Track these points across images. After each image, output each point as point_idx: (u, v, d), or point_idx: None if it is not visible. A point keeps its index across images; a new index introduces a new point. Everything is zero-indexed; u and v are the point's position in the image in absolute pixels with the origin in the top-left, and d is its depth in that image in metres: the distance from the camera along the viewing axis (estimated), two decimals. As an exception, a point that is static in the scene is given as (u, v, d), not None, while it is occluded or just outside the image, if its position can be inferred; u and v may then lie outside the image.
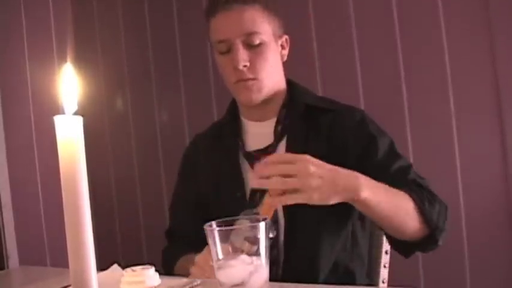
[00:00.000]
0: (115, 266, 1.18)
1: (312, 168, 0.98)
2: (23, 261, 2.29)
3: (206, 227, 0.87)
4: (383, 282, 1.38)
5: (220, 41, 1.30)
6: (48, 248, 2.41)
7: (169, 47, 2.55)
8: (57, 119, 0.60)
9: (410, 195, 1.15)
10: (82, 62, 2.55)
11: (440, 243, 1.21)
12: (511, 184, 1.84)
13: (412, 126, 1.98)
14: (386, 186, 1.12)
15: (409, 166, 1.29)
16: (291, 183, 0.96)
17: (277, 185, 0.97)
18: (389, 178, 1.17)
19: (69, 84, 0.62)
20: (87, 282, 0.59)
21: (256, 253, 0.84)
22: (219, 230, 0.86)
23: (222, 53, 1.31)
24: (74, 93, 0.62)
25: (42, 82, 2.21)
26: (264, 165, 0.99)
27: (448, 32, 1.90)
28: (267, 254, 0.85)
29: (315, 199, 0.98)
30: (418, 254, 1.95)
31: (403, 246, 1.22)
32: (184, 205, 1.46)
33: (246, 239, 0.85)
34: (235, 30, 1.27)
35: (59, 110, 0.61)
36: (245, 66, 1.28)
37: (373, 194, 1.06)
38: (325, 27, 2.15)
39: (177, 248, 1.38)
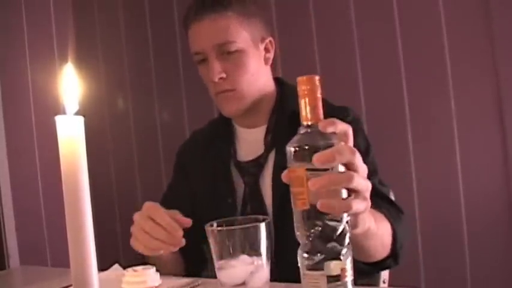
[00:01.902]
0: (116, 265, 1.18)
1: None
2: (23, 261, 2.29)
3: (207, 227, 0.88)
4: (384, 282, 1.38)
5: (196, 53, 1.27)
6: (49, 247, 2.41)
7: (169, 45, 2.55)
8: (59, 119, 0.60)
9: (388, 219, 1.07)
10: (83, 62, 2.55)
11: (400, 262, 1.13)
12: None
13: (412, 126, 1.98)
14: (376, 213, 1.00)
15: (375, 172, 1.21)
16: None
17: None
18: None
19: (70, 84, 0.62)
20: (88, 282, 0.59)
21: (257, 253, 0.84)
22: (219, 231, 0.86)
23: (200, 64, 1.28)
24: (75, 93, 0.62)
25: (43, 82, 2.21)
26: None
27: (449, 31, 1.90)
28: (268, 254, 0.85)
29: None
30: (419, 254, 1.97)
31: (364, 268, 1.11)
32: (175, 200, 1.37)
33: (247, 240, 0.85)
34: (208, 41, 1.23)
35: (60, 110, 0.61)
36: (221, 78, 1.24)
37: (376, 225, 0.92)
38: (326, 27, 2.15)
39: None
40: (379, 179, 1.23)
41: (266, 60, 1.31)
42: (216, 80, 1.24)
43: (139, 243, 1.05)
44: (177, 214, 1.06)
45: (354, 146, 0.94)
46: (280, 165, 1.26)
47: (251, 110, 1.29)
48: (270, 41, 1.32)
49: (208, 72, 1.24)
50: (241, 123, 1.35)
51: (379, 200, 1.09)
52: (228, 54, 1.23)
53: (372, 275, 1.29)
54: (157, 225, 1.02)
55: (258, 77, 1.28)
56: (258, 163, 1.28)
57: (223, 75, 1.24)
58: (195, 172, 1.38)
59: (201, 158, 1.38)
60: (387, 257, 1.08)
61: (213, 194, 1.33)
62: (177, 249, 1.05)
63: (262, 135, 1.30)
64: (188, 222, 1.05)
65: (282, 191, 1.22)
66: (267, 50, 1.31)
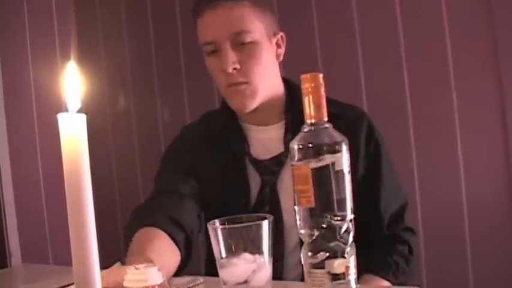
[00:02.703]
0: (118, 264, 1.18)
1: None
2: (25, 259, 2.29)
3: (209, 224, 0.87)
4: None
5: (208, 43, 1.22)
6: (50, 246, 2.41)
7: (171, 44, 2.54)
8: (61, 117, 0.60)
9: (392, 281, 1.17)
10: (85, 58, 2.55)
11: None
12: (514, 182, 1.84)
13: (414, 123, 1.98)
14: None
15: (397, 189, 1.30)
16: None
17: None
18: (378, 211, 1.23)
19: (72, 82, 0.62)
20: (90, 280, 0.59)
21: (259, 251, 0.84)
22: (222, 229, 0.86)
23: (210, 55, 1.23)
24: (77, 91, 0.62)
25: (45, 80, 2.21)
26: None
27: (451, 27, 1.90)
28: (270, 252, 0.85)
29: None
30: (421, 252, 1.96)
31: None
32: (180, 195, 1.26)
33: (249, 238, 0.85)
34: (223, 30, 1.18)
35: (61, 108, 0.61)
36: (235, 69, 1.19)
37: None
38: (328, 23, 2.14)
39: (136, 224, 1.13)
40: (397, 188, 1.30)
41: (278, 55, 1.29)
42: (230, 70, 1.19)
43: None
44: None
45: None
46: None
47: (262, 106, 1.25)
48: (282, 37, 1.29)
49: (220, 62, 1.20)
50: (250, 120, 1.31)
51: (394, 256, 1.21)
52: (242, 46, 1.20)
53: None
54: None
55: (270, 71, 1.25)
56: (280, 161, 1.25)
57: (237, 65, 1.20)
58: (205, 169, 1.31)
59: (206, 151, 1.32)
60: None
61: (226, 194, 1.28)
62: None
63: (277, 134, 1.27)
64: None
65: None
66: (278, 45, 1.28)
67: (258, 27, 1.21)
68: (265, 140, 1.29)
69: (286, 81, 1.34)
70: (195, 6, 1.25)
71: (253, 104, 1.23)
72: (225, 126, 1.33)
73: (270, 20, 1.25)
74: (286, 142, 1.25)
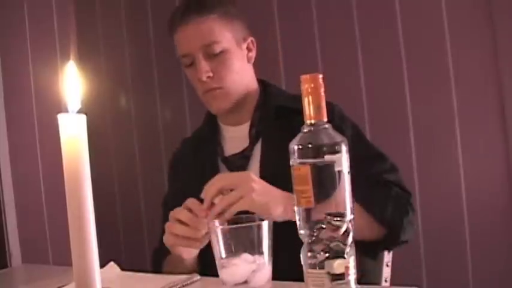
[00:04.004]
0: (111, 263, 1.20)
1: (252, 178, 1.04)
2: (25, 259, 2.30)
3: (210, 225, 0.88)
4: (385, 281, 1.38)
5: (184, 56, 1.34)
6: (50, 245, 2.41)
7: (171, 44, 2.54)
8: (61, 117, 0.60)
9: (369, 208, 1.14)
10: (85, 60, 2.55)
11: (403, 238, 1.19)
12: (514, 183, 1.84)
13: (414, 124, 1.98)
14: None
15: (378, 156, 1.29)
16: (233, 196, 1.01)
17: (224, 204, 1.00)
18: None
19: (72, 82, 0.62)
20: (90, 280, 0.59)
21: (259, 252, 0.84)
22: (222, 229, 0.86)
23: (187, 67, 1.34)
24: (78, 91, 0.62)
25: (45, 80, 2.22)
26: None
27: (451, 28, 1.90)
28: (270, 252, 0.85)
29: (256, 201, 1.00)
30: (421, 253, 1.97)
31: (366, 248, 1.18)
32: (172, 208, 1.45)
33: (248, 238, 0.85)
34: (194, 43, 1.30)
35: (61, 108, 0.61)
36: (208, 77, 1.30)
37: None
38: (328, 26, 2.14)
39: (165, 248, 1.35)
40: (382, 158, 1.29)
41: (249, 58, 1.38)
42: (204, 78, 1.29)
43: (168, 242, 1.11)
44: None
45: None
46: (268, 157, 1.30)
47: (236, 107, 1.34)
48: (252, 41, 1.39)
49: (196, 72, 1.31)
50: (226, 121, 1.40)
51: (367, 190, 1.15)
52: (214, 56, 1.30)
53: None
54: (182, 224, 1.06)
55: (242, 74, 1.35)
56: (244, 155, 1.33)
57: (210, 74, 1.30)
58: (188, 177, 1.41)
59: (191, 163, 1.43)
60: (385, 236, 1.16)
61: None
62: (201, 246, 1.07)
63: (246, 132, 1.35)
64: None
65: (269, 183, 1.24)
66: (249, 49, 1.38)
67: (227, 36, 1.31)
68: (237, 138, 1.37)
69: (262, 82, 1.42)
70: (169, 24, 1.39)
71: (228, 105, 1.33)
72: (202, 136, 1.44)
73: (239, 28, 1.35)
74: (251, 136, 1.34)
